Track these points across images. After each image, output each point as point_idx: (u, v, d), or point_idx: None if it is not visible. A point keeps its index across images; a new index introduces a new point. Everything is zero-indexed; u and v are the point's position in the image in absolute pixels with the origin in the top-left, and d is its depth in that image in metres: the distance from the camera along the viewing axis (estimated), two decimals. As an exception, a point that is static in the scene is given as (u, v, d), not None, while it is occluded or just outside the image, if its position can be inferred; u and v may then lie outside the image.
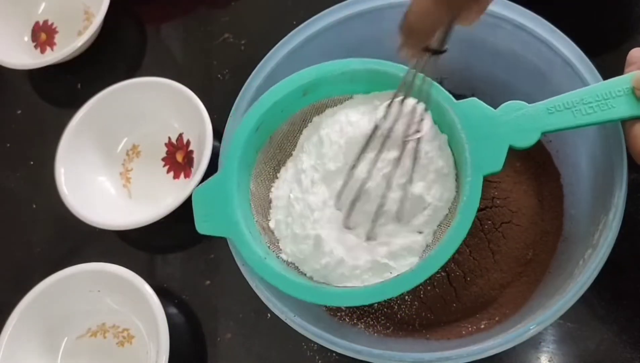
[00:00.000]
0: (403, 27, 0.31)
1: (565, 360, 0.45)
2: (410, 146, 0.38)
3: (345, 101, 0.44)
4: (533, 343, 0.46)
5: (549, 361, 0.46)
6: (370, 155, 0.39)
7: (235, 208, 0.40)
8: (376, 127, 0.38)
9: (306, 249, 0.40)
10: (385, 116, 0.38)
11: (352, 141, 0.40)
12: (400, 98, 0.38)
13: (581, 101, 0.37)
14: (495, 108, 0.38)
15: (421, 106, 0.38)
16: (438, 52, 0.32)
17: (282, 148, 0.44)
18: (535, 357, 0.46)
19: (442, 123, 0.41)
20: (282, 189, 0.43)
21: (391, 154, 0.38)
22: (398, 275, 0.38)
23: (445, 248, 0.37)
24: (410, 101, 0.38)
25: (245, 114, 0.42)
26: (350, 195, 0.39)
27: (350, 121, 0.41)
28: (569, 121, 0.37)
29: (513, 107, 0.38)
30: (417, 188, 0.39)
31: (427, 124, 0.38)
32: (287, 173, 0.43)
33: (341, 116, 0.42)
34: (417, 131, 0.38)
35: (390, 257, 0.38)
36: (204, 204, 0.41)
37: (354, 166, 0.39)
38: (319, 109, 0.44)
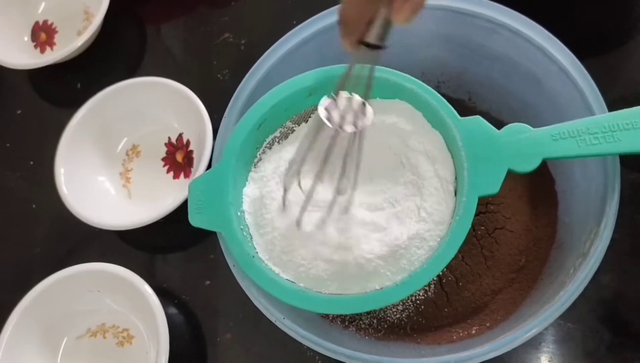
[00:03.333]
0: (338, 18, 0.31)
1: (565, 360, 0.45)
2: (352, 141, 0.37)
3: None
4: (533, 344, 0.46)
5: (549, 361, 0.46)
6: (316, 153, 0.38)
7: (228, 204, 0.40)
8: (320, 125, 0.37)
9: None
10: (328, 110, 0.36)
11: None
12: (338, 93, 0.36)
13: (587, 130, 0.36)
14: (491, 112, 0.38)
15: (359, 99, 0.36)
16: (375, 47, 0.31)
17: None
18: (535, 357, 0.46)
19: (445, 138, 0.40)
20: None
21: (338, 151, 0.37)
22: (382, 288, 0.37)
23: (433, 266, 0.36)
24: (345, 95, 0.36)
25: (248, 111, 0.42)
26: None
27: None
28: (572, 150, 0.36)
29: (516, 130, 0.37)
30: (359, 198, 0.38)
31: (370, 117, 0.36)
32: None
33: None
34: (357, 124, 0.36)
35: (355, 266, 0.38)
36: (199, 196, 0.40)
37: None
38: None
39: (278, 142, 0.43)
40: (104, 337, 0.53)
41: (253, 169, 0.43)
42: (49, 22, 0.70)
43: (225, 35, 0.65)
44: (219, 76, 0.63)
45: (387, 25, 0.30)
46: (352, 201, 0.38)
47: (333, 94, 0.35)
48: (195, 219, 0.40)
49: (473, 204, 0.37)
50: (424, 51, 0.49)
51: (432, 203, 0.38)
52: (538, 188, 0.48)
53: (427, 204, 0.38)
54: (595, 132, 0.36)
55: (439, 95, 0.40)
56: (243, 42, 0.64)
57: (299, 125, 0.43)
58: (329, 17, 0.46)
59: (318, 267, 0.38)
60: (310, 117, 0.43)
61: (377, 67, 0.41)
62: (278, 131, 0.43)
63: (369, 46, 0.31)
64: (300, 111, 0.43)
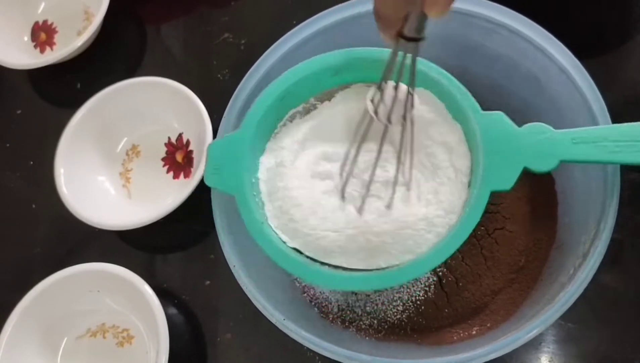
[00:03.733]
0: (374, 13, 0.31)
1: (565, 360, 0.45)
2: (402, 130, 0.37)
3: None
4: (534, 344, 0.46)
5: (549, 361, 0.46)
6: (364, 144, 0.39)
7: (244, 169, 0.40)
8: (367, 116, 0.37)
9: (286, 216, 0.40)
10: (373, 102, 0.37)
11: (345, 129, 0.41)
12: (385, 83, 0.37)
13: (609, 137, 0.36)
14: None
15: (404, 87, 0.37)
16: (413, 39, 0.32)
17: None
18: (535, 357, 0.46)
19: (465, 131, 0.40)
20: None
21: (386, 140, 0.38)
22: (386, 268, 0.37)
23: (440, 252, 0.37)
24: (392, 84, 0.37)
25: (273, 82, 0.42)
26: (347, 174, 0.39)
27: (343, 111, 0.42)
28: (591, 155, 0.36)
29: (537, 130, 0.37)
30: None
31: (416, 107, 0.37)
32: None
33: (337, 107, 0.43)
34: (407, 112, 0.37)
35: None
36: (217, 158, 0.41)
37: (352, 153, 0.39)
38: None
39: (300, 116, 0.43)
40: (104, 337, 0.53)
41: (272, 139, 0.43)
42: (49, 22, 0.70)
43: (225, 35, 0.65)
44: (219, 76, 0.63)
45: (422, 18, 0.30)
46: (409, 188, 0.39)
47: (378, 87, 0.36)
48: (211, 180, 0.41)
49: (485, 197, 0.36)
50: (424, 51, 0.48)
51: (445, 191, 0.38)
52: (538, 188, 0.48)
53: (439, 191, 0.39)
54: (617, 139, 0.36)
55: (463, 87, 0.39)
56: (243, 42, 0.64)
57: (321, 102, 0.43)
58: (329, 17, 0.46)
59: (327, 238, 0.38)
60: (334, 96, 0.43)
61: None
62: (301, 105, 0.43)
63: (407, 38, 0.31)
64: (324, 89, 0.43)
